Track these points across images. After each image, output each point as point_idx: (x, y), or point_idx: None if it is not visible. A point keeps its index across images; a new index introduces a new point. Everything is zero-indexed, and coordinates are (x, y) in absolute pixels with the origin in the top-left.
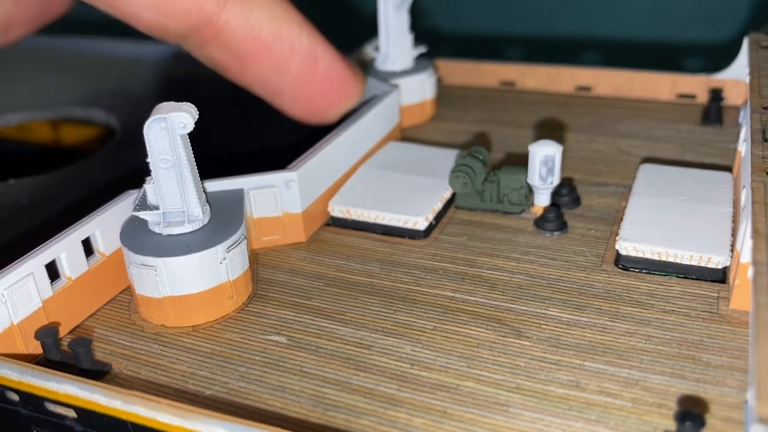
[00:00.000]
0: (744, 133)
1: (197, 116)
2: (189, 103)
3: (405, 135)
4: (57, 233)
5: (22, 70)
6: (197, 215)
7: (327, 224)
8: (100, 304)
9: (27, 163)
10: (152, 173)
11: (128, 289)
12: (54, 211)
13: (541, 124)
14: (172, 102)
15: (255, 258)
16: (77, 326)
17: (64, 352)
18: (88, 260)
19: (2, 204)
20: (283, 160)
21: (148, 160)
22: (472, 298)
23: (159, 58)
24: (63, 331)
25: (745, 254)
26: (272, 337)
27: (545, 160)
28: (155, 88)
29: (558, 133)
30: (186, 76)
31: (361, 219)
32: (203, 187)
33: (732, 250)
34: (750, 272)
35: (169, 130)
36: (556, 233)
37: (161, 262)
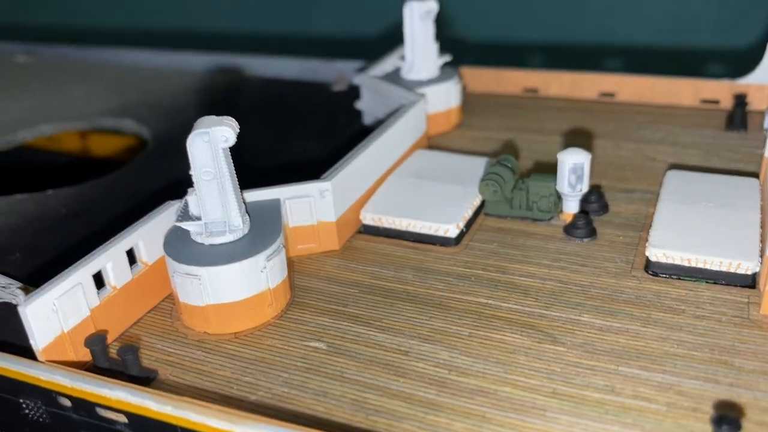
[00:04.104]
0: None
1: (238, 130)
2: (230, 117)
3: (431, 143)
4: (96, 243)
5: (52, 81)
6: (238, 225)
7: (359, 232)
8: (143, 311)
9: (61, 173)
10: (195, 185)
11: (169, 297)
12: (91, 220)
13: (566, 130)
14: (213, 116)
15: (291, 266)
16: (122, 333)
17: (111, 359)
18: (131, 269)
19: (42, 214)
20: (311, 167)
21: (191, 172)
22: (505, 305)
23: (186, 68)
24: (109, 339)
25: None
26: (312, 344)
27: (574, 167)
28: (184, 97)
29: (583, 139)
30: (214, 86)
31: (393, 227)
32: (243, 198)
33: (762, 256)
34: None
35: (211, 143)
36: (585, 240)
37: (205, 272)
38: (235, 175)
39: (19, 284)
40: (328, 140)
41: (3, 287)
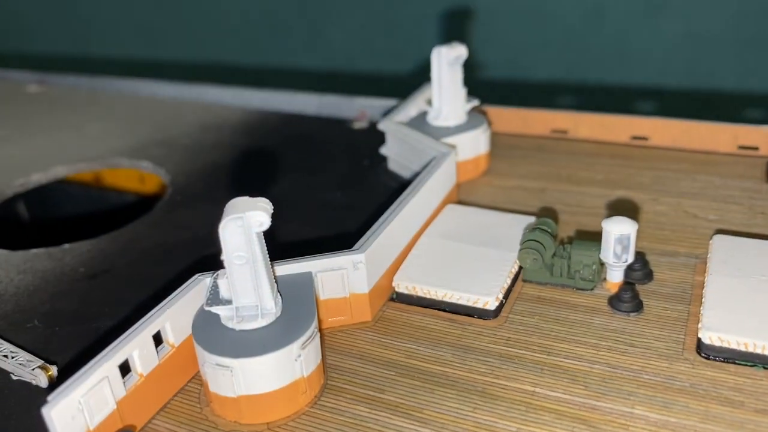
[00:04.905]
0: None
1: (272, 211)
2: (264, 199)
3: (460, 192)
4: (117, 311)
5: (66, 115)
6: (270, 309)
7: (391, 299)
8: (170, 395)
9: (78, 214)
10: (226, 269)
11: (197, 377)
12: (110, 282)
13: (600, 180)
14: (246, 197)
15: (322, 340)
16: (149, 420)
17: None
18: (157, 352)
19: (60, 273)
20: (339, 228)
21: (222, 257)
22: (554, 394)
23: (203, 101)
24: (136, 429)
25: None
26: None
27: (620, 238)
28: (202, 136)
29: (619, 192)
30: (233, 123)
31: (428, 296)
32: (274, 273)
33: None
34: None
35: (245, 228)
36: (632, 314)
37: (237, 363)
38: (268, 258)
39: (40, 362)
40: (355, 189)
41: (22, 365)
